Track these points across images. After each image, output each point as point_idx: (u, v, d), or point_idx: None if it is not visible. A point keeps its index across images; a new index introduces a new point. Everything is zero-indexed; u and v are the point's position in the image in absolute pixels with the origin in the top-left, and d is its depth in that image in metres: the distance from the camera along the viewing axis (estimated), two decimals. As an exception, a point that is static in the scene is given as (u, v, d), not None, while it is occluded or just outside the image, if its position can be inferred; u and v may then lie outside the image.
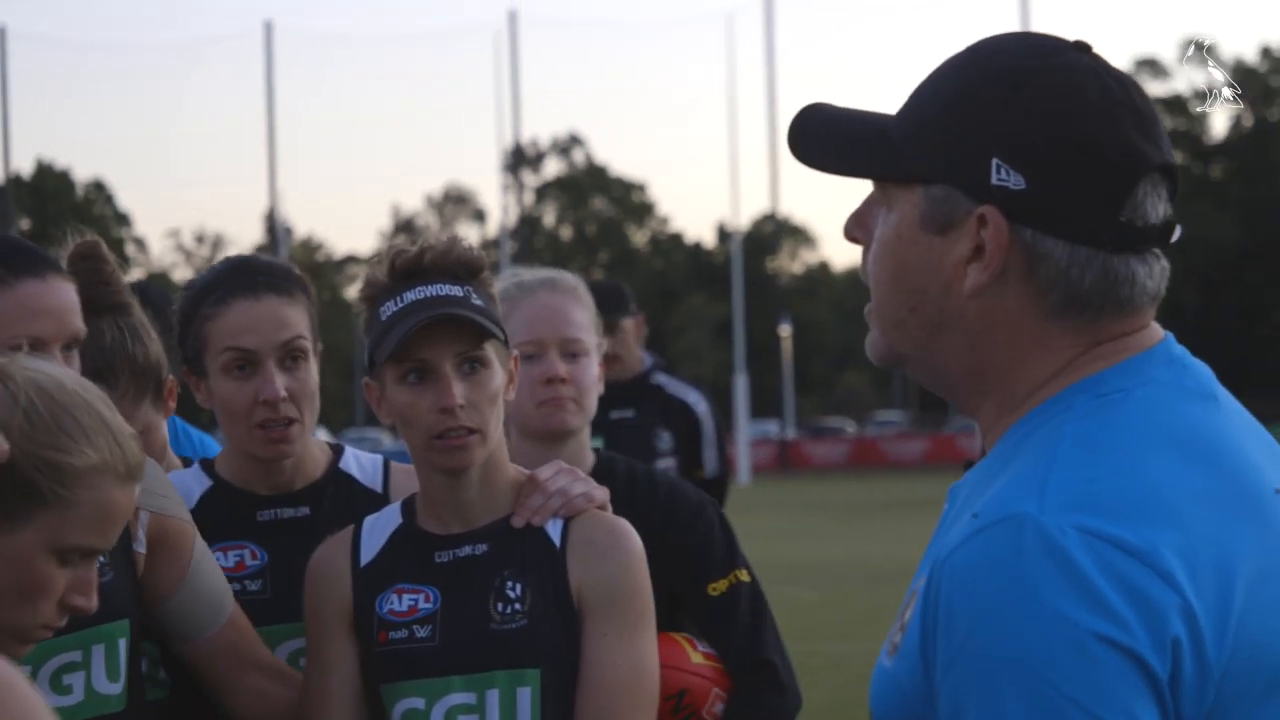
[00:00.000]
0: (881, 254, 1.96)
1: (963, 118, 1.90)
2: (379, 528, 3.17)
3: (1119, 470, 1.80)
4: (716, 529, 3.68)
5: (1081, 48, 1.93)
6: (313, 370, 3.39)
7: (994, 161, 1.87)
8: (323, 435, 3.97)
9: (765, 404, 69.30)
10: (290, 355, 3.35)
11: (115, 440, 2.39)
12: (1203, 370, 1.95)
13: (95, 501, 2.38)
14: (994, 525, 1.78)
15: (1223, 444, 1.87)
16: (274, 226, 63.10)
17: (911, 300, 1.94)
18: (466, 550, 3.10)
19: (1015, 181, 1.86)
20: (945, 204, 1.89)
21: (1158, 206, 1.90)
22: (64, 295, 3.07)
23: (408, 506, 3.19)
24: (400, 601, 3.10)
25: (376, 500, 3.36)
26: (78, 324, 3.07)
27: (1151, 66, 77.28)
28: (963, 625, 1.76)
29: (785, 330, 62.38)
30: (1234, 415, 1.93)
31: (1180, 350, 1.96)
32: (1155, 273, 1.92)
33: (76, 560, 2.40)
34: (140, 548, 3.12)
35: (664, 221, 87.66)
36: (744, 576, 3.67)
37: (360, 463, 3.51)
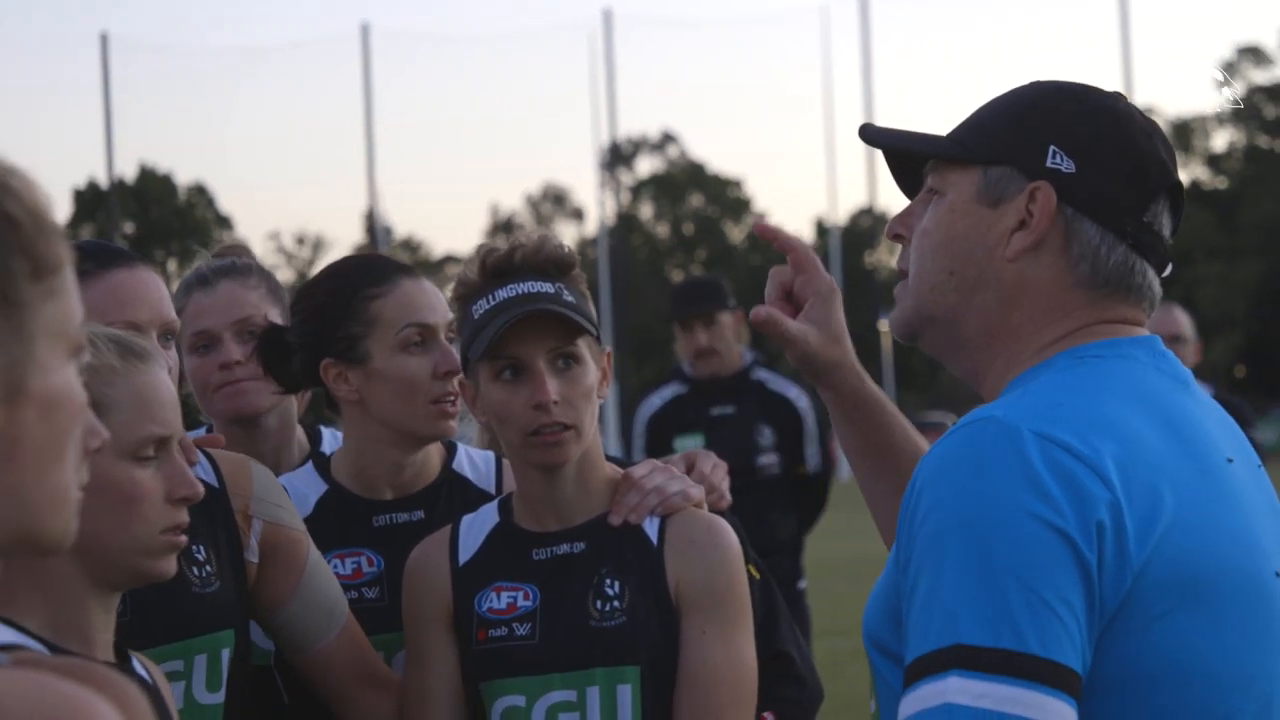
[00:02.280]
0: (932, 228, 2.28)
1: (1026, 116, 2.26)
2: (476, 526, 3.18)
3: (1080, 402, 2.11)
4: None
5: (1119, 95, 2.30)
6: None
7: (1051, 148, 2.22)
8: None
9: (865, 399, 69.00)
10: (449, 336, 3.36)
11: (110, 338, 2.51)
12: (1182, 367, 2.25)
13: (131, 392, 2.49)
14: (965, 425, 2.09)
15: (1181, 413, 2.17)
16: (374, 227, 63.46)
17: (953, 263, 2.25)
18: (564, 548, 3.10)
19: (1067, 166, 2.21)
20: (1001, 181, 2.24)
21: (1166, 224, 2.26)
22: (154, 284, 3.13)
23: (504, 505, 3.20)
24: (499, 599, 3.11)
25: (490, 500, 3.35)
26: (170, 314, 3.12)
27: (1254, 54, 76.43)
28: (926, 503, 2.04)
29: (885, 324, 62.12)
30: (1201, 401, 2.23)
31: (1165, 348, 2.26)
32: (1158, 282, 2.26)
33: (153, 454, 2.51)
34: (253, 557, 3.14)
35: (761, 217, 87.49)
36: (754, 573, 3.68)
37: (473, 461, 3.51)
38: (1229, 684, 2.05)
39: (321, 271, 3.54)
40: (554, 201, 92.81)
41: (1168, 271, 2.28)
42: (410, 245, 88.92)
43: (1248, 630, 2.07)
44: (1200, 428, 2.17)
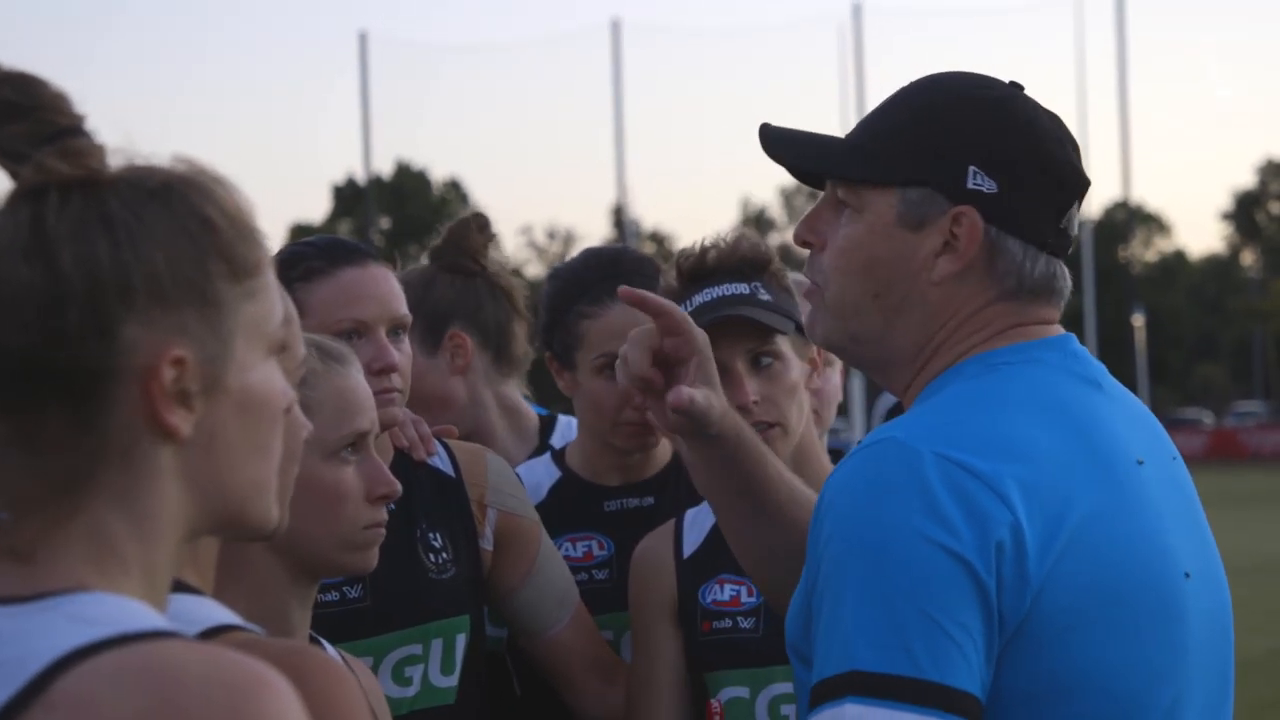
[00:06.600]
0: (851, 249, 2.25)
1: (939, 131, 2.23)
2: (700, 520, 3.21)
3: (984, 420, 2.11)
4: None
5: (1017, 86, 2.29)
6: None
7: (971, 168, 2.20)
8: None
9: (1119, 395, 67.82)
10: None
11: (309, 342, 2.49)
12: (1095, 364, 2.26)
13: (330, 393, 2.53)
14: (867, 447, 2.10)
15: (1087, 416, 2.16)
16: (622, 220, 63.88)
17: (878, 287, 2.24)
18: (786, 542, 3.12)
19: (989, 186, 2.20)
20: (922, 204, 2.21)
21: (1076, 221, 2.28)
22: (384, 280, 3.14)
23: (728, 499, 3.22)
24: (723, 591, 3.14)
25: None
26: (400, 308, 3.14)
27: None
28: (828, 527, 2.06)
29: (1139, 320, 60.99)
30: (1113, 400, 2.23)
31: (1079, 346, 2.27)
32: (1068, 275, 2.27)
33: (351, 454, 2.55)
34: (487, 545, 3.22)
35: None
36: None
37: None
38: (1135, 690, 2.07)
39: (566, 262, 3.62)
40: (809, 196, 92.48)
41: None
42: (657, 238, 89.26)
43: (1154, 636, 2.09)
44: (1109, 431, 2.17)
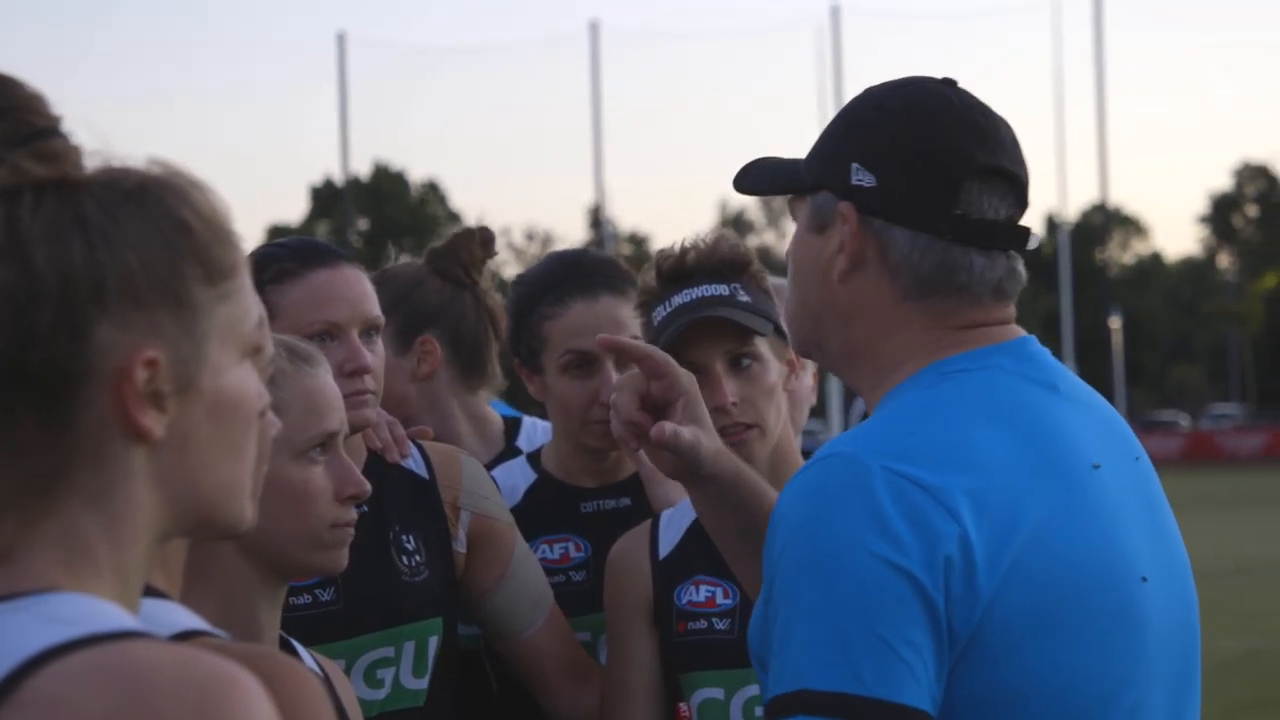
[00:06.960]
0: (788, 260, 2.34)
1: (835, 135, 2.29)
2: (676, 521, 3.21)
3: (937, 430, 2.12)
4: None
5: (948, 83, 2.30)
6: None
7: (853, 165, 2.24)
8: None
9: (1096, 397, 67.97)
10: None
11: (278, 343, 2.48)
12: (1055, 367, 2.25)
13: (298, 394, 2.53)
14: (820, 461, 2.12)
15: (1045, 421, 2.16)
16: (600, 222, 63.94)
17: (803, 293, 2.31)
18: (762, 544, 3.12)
19: (868, 180, 2.23)
20: (824, 207, 2.27)
21: (997, 207, 2.23)
22: (356, 282, 3.13)
23: (703, 501, 3.22)
24: (698, 593, 3.14)
25: None
26: (373, 310, 3.13)
27: None
28: (781, 538, 2.09)
29: (1115, 322, 61.15)
30: (1071, 403, 2.22)
31: (1037, 349, 2.26)
32: (999, 268, 2.23)
33: (320, 454, 2.55)
34: (460, 547, 3.22)
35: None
36: None
37: None
38: (1093, 695, 2.08)
39: (530, 267, 3.63)
40: (787, 198, 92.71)
41: (1033, 243, 2.26)
42: (635, 239, 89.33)
43: (1112, 640, 2.10)
44: (1065, 436, 2.17)
